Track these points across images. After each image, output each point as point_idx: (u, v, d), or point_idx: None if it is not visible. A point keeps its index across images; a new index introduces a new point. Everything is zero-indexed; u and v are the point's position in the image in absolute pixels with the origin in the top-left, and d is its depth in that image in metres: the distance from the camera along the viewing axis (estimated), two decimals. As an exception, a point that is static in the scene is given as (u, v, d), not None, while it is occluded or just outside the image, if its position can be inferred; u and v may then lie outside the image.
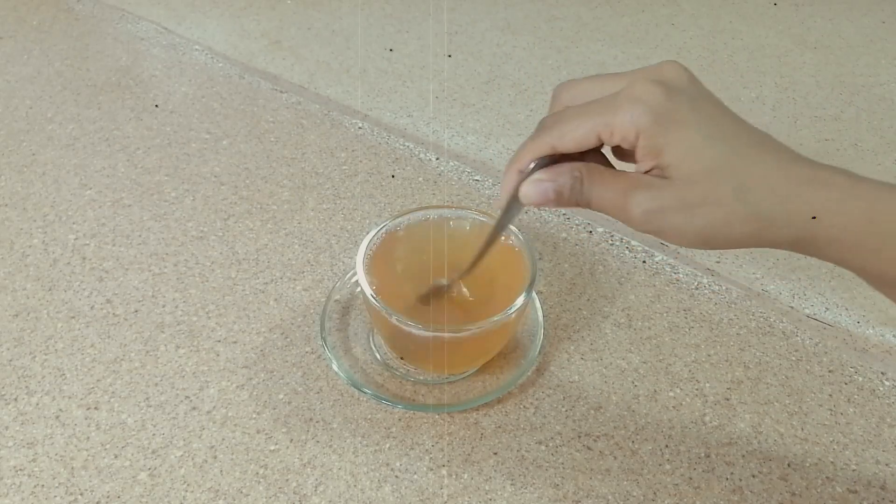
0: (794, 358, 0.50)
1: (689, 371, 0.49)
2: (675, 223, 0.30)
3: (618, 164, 0.33)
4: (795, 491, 0.42)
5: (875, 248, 0.28)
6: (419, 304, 0.44)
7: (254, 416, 0.45)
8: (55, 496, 0.41)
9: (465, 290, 0.45)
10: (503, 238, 0.46)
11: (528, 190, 0.32)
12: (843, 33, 0.90)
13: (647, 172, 0.31)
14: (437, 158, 0.67)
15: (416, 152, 0.67)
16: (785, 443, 0.45)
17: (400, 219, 0.47)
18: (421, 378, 0.47)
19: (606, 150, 0.34)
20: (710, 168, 0.29)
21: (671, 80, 0.30)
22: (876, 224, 0.28)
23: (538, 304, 0.51)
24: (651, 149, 0.29)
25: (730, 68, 0.83)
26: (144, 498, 0.41)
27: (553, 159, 0.33)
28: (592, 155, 0.33)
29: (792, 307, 0.54)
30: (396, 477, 0.42)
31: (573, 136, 0.31)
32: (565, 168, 0.32)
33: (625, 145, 0.30)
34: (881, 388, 0.48)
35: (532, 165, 0.33)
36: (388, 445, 0.44)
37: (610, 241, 0.59)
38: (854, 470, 0.43)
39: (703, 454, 0.44)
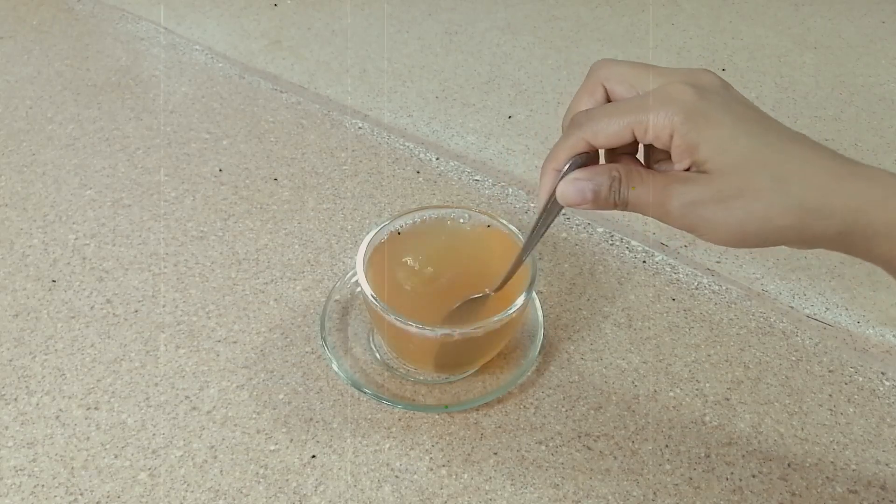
0: (794, 358, 0.50)
1: (689, 371, 0.49)
2: (713, 216, 0.30)
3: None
4: (795, 491, 0.42)
5: None
6: (416, 300, 0.44)
7: (254, 416, 0.45)
8: (55, 496, 0.41)
9: (464, 289, 0.45)
10: (507, 241, 0.46)
11: (567, 189, 0.32)
12: (843, 33, 0.90)
13: (684, 171, 0.31)
14: (437, 158, 0.67)
15: (416, 152, 0.67)
16: (785, 443, 0.45)
17: (400, 219, 0.47)
18: (421, 378, 0.47)
19: (639, 156, 0.34)
20: (746, 159, 0.29)
21: (704, 84, 0.31)
22: None
23: (538, 304, 0.51)
24: (686, 147, 0.29)
25: (730, 68, 0.83)
26: (144, 498, 0.41)
27: (589, 158, 0.32)
28: (626, 159, 0.33)
29: (792, 307, 0.54)
30: (396, 477, 0.42)
31: (607, 133, 0.31)
32: (603, 168, 0.32)
33: (658, 144, 0.30)
34: (881, 388, 0.48)
35: (568, 165, 0.32)
36: (388, 445, 0.44)
37: (610, 241, 0.59)
38: (854, 470, 0.43)
39: (703, 454, 0.44)
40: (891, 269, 0.30)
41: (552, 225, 0.37)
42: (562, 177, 0.32)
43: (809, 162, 0.29)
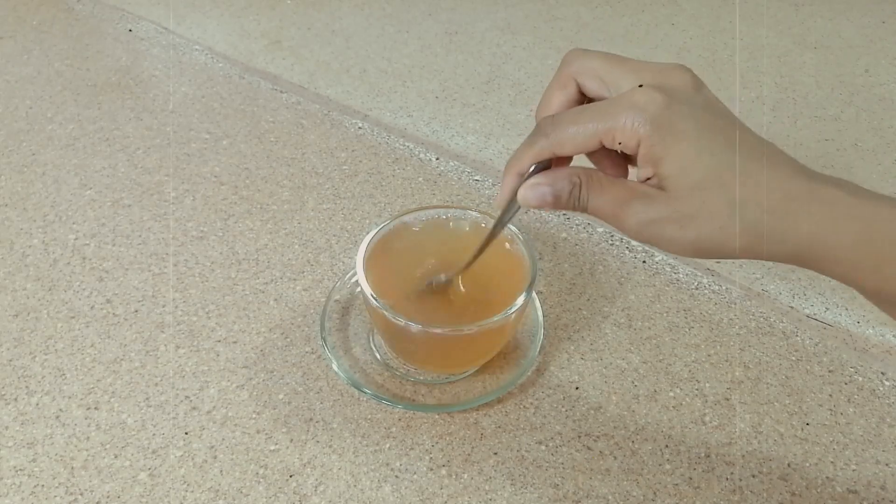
0: (794, 358, 0.50)
1: (689, 371, 0.49)
2: (668, 234, 0.30)
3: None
4: (795, 491, 0.42)
5: (872, 267, 0.28)
6: (416, 300, 0.44)
7: (254, 416, 0.45)
8: (55, 496, 0.41)
9: (463, 289, 0.45)
10: (506, 241, 0.46)
11: (527, 194, 0.33)
12: (843, 33, 0.90)
13: (646, 180, 0.31)
14: (437, 158, 0.67)
15: (416, 152, 0.67)
16: (785, 443, 0.45)
17: (400, 219, 0.47)
18: (421, 378, 0.47)
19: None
20: (705, 181, 0.29)
21: (675, 88, 0.30)
22: (873, 243, 0.28)
23: (538, 304, 0.51)
24: (650, 158, 0.30)
25: (730, 68, 0.83)
26: (144, 498, 0.41)
27: (553, 161, 0.33)
28: (603, 152, 0.33)
29: (792, 307, 0.54)
30: (396, 477, 0.42)
31: (574, 143, 0.31)
32: (564, 173, 0.32)
33: (625, 150, 0.31)
34: (881, 388, 0.48)
35: (532, 168, 0.33)
36: (388, 445, 0.44)
37: (610, 241, 0.59)
38: (854, 470, 0.43)
39: (703, 454, 0.44)
40: (846, 284, 0.30)
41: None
42: (525, 179, 0.33)
43: (768, 183, 0.28)
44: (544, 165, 0.33)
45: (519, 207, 0.35)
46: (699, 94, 0.31)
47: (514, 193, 0.33)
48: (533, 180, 0.32)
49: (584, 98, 0.34)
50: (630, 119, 0.29)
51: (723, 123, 0.30)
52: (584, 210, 0.32)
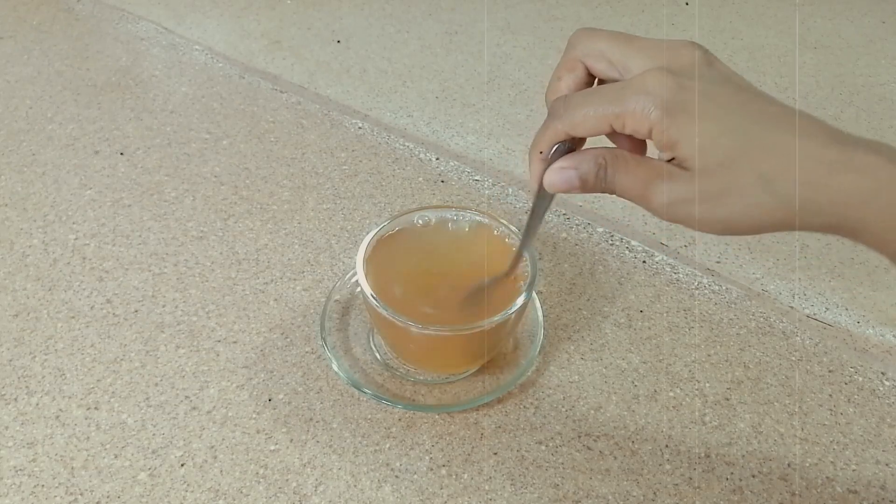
0: (794, 358, 0.50)
1: (689, 371, 0.49)
2: (697, 214, 0.29)
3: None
4: (795, 491, 0.42)
5: None
6: (416, 300, 0.44)
7: (254, 416, 0.45)
8: (55, 496, 0.41)
9: (463, 289, 0.45)
10: (506, 240, 0.46)
11: (553, 178, 0.32)
12: (843, 33, 0.90)
13: (669, 161, 0.30)
14: (437, 158, 0.67)
15: (416, 152, 0.67)
16: (785, 443, 0.45)
17: (400, 219, 0.47)
18: (421, 378, 0.47)
19: None
20: (729, 159, 0.28)
21: (685, 67, 0.29)
22: None
23: (538, 304, 0.51)
24: (666, 142, 0.29)
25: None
26: (144, 498, 0.41)
27: (575, 142, 0.32)
28: (620, 140, 0.32)
29: (792, 307, 0.54)
30: (396, 477, 0.42)
31: (584, 126, 0.30)
32: (589, 155, 0.31)
33: (638, 136, 0.30)
34: (881, 388, 0.48)
35: (554, 150, 0.32)
36: (388, 445, 0.44)
37: (610, 241, 0.59)
38: (854, 470, 0.43)
39: (703, 454, 0.44)
40: (885, 255, 0.29)
41: (549, 212, 0.36)
42: (550, 163, 0.32)
43: (799, 154, 0.27)
44: (568, 148, 0.32)
45: (553, 195, 0.34)
46: (712, 69, 0.30)
47: (542, 179, 0.32)
48: (558, 164, 0.31)
49: (592, 79, 0.33)
50: (640, 105, 0.28)
51: (742, 97, 0.29)
52: (612, 191, 0.31)
